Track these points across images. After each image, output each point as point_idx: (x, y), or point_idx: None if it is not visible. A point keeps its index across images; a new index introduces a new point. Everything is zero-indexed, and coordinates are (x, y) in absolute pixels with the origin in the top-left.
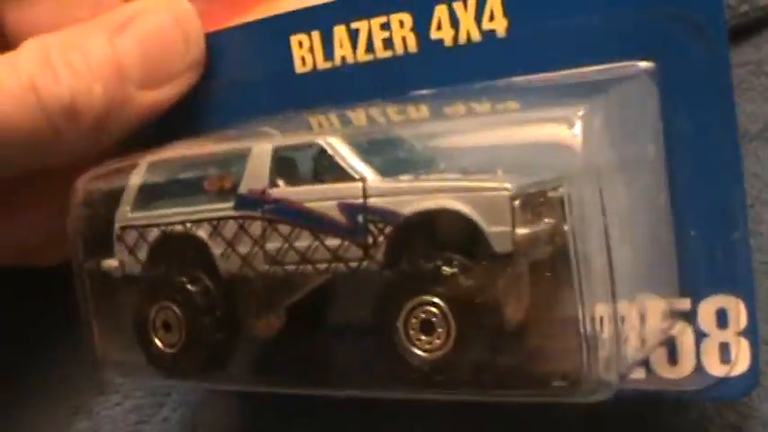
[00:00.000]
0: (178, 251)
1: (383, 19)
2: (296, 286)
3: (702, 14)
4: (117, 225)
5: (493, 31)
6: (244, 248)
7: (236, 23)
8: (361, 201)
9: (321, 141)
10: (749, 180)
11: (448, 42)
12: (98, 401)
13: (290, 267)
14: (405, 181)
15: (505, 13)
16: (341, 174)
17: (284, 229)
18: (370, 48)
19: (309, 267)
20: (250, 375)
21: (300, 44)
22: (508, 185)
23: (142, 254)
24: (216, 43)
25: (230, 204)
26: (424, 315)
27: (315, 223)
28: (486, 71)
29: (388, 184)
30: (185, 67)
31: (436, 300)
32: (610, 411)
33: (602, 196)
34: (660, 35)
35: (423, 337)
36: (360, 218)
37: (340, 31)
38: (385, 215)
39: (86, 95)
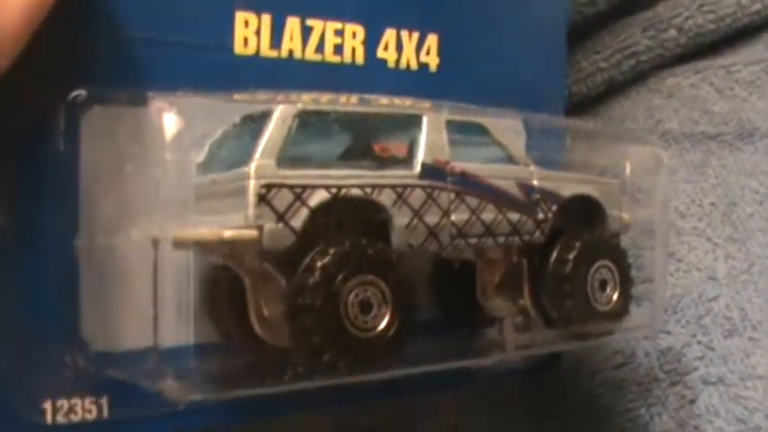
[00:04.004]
0: (347, 219)
1: (338, 25)
2: None
3: None
4: (256, 182)
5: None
6: (431, 219)
7: None
8: (535, 182)
9: (483, 121)
10: (759, 178)
11: (391, 64)
12: None
13: (473, 240)
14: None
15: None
16: (505, 154)
17: (472, 201)
18: (320, 49)
19: (491, 240)
20: None
21: (246, 23)
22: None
23: (297, 221)
24: None
25: (412, 172)
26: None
27: (501, 198)
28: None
29: (544, 171)
30: None
31: (608, 263)
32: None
33: None
34: None
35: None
36: (535, 196)
37: (293, 22)
38: (551, 196)
39: None
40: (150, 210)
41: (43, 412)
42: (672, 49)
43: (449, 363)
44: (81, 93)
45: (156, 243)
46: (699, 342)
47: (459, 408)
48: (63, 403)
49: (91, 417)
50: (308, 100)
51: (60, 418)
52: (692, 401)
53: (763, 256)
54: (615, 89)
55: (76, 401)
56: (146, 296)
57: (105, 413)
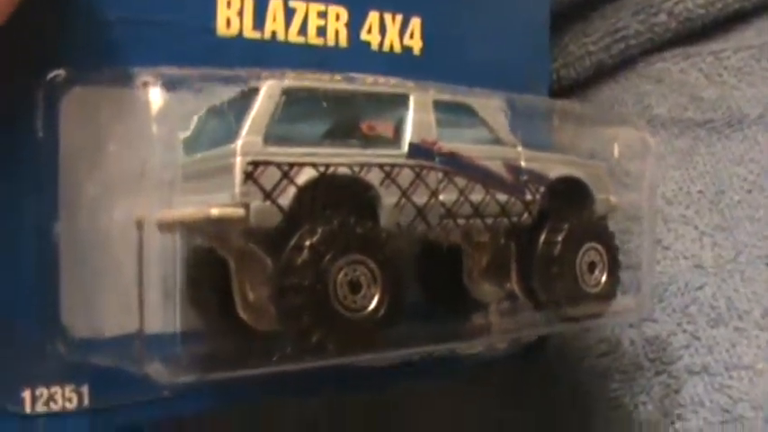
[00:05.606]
0: (335, 198)
1: (321, 7)
2: None
3: None
4: (242, 159)
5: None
6: (419, 199)
7: None
8: (522, 163)
9: (470, 101)
10: (747, 166)
11: (374, 47)
12: None
13: (461, 221)
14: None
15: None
16: (492, 135)
17: (460, 182)
18: (303, 31)
19: (479, 222)
20: None
21: (229, 4)
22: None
23: (285, 199)
24: None
25: (400, 152)
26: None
27: (489, 179)
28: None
29: (531, 152)
30: None
31: (597, 245)
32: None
33: None
34: None
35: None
36: (523, 177)
37: (276, 4)
38: (539, 177)
39: None
40: (134, 190)
41: (22, 401)
42: (661, 33)
43: (436, 346)
44: (60, 73)
45: (140, 224)
46: (684, 331)
47: (443, 396)
48: (42, 391)
49: (71, 405)
50: (294, 76)
51: (40, 407)
52: (677, 391)
53: (750, 245)
54: (604, 73)
55: (56, 390)
56: (131, 280)
57: (86, 401)
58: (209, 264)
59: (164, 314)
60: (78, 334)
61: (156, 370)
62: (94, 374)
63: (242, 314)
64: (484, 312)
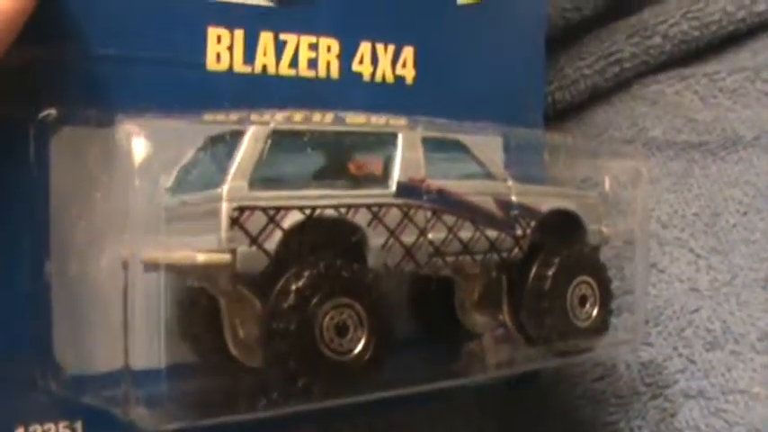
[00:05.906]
0: (322, 240)
1: (312, 39)
2: None
3: None
4: (228, 205)
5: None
6: (407, 238)
7: None
8: (513, 198)
9: (461, 138)
10: (742, 188)
11: (366, 77)
12: None
13: (450, 258)
14: (530, 185)
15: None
16: (483, 170)
17: (449, 219)
18: (293, 64)
19: (468, 258)
20: None
21: (219, 39)
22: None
23: (271, 243)
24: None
25: (388, 191)
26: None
27: (478, 216)
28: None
29: (522, 186)
30: None
31: (588, 278)
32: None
33: None
34: None
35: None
36: (513, 212)
37: (266, 37)
38: (530, 211)
39: None
40: (121, 232)
41: None
42: (656, 56)
43: (427, 384)
44: (51, 112)
45: (126, 265)
46: (680, 355)
47: (437, 422)
48: (36, 428)
49: None
50: (280, 119)
51: None
52: (673, 415)
53: (745, 268)
54: (599, 96)
55: (50, 426)
56: (118, 318)
57: None
58: (200, 301)
59: (149, 352)
60: (70, 370)
61: (140, 415)
62: (88, 411)
63: (233, 351)
64: (477, 343)
